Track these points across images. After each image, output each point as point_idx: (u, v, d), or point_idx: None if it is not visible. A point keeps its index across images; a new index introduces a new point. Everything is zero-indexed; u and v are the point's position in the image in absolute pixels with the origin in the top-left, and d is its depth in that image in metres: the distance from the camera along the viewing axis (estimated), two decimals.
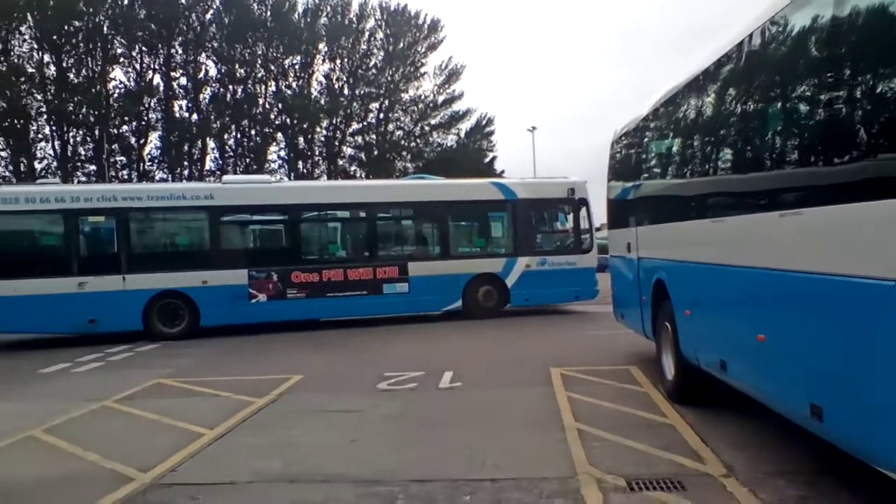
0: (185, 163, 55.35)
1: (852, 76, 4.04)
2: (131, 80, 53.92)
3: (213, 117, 55.17)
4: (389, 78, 59.69)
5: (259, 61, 55.82)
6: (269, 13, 55.93)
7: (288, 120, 57.02)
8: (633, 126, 9.84)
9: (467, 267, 16.26)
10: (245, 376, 10.16)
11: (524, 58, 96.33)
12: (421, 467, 5.84)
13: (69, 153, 52.90)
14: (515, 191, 16.69)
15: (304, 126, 57.38)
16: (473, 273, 16.20)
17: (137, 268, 14.57)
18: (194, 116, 55.13)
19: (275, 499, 5.35)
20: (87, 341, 13.86)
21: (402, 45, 59.33)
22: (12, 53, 50.69)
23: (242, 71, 55.15)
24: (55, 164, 51.95)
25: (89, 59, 52.40)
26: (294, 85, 57.85)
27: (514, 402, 8.10)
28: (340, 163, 58.54)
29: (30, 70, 51.34)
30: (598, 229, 17.44)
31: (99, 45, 51.93)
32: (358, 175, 55.90)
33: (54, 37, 50.13)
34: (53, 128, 52.59)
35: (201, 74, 55.19)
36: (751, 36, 5.55)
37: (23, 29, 50.44)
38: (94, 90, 51.97)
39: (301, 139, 58.32)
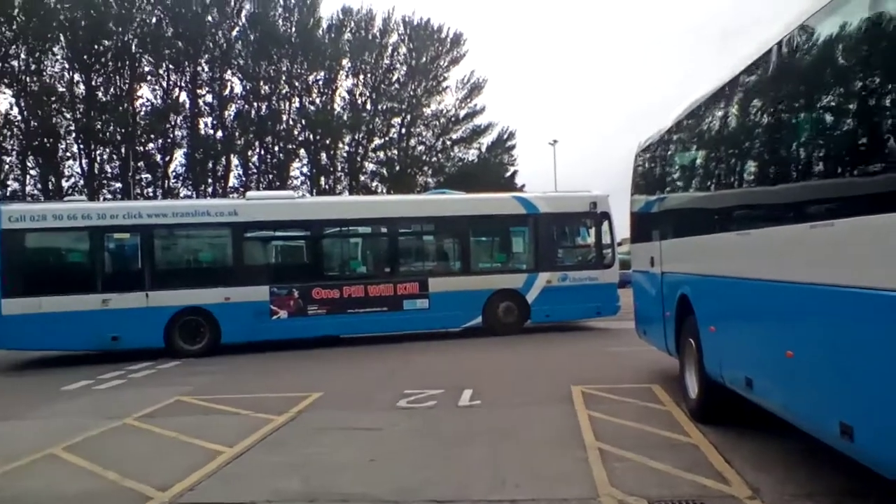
0: (210, 180, 55.99)
1: (883, 83, 3.93)
2: (158, 97, 54.78)
3: (237, 134, 55.87)
4: (412, 93, 60.08)
5: (283, 78, 56.48)
6: (293, 30, 56.65)
7: (311, 136, 57.53)
8: (656, 138, 9.74)
9: (488, 283, 16.16)
10: (265, 394, 10.15)
11: (546, 71, 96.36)
12: (441, 487, 5.77)
13: (96, 171, 53.75)
14: (537, 205, 16.59)
15: (327, 142, 57.85)
16: (494, 289, 16.09)
17: (160, 284, 14.64)
18: (219, 133, 55.84)
19: None
20: (110, 358, 13.92)
21: (424, 59, 59.74)
22: (44, 73, 51.82)
23: (267, 88, 55.82)
24: (82, 181, 52.78)
25: (117, 77, 53.38)
26: (317, 101, 58.43)
27: (534, 421, 8.00)
28: (362, 178, 58.86)
29: (60, 89, 52.40)
30: (619, 244, 17.30)
31: (127, 63, 52.89)
32: (379, 190, 56.14)
33: (84, 56, 51.14)
34: (81, 146, 53.49)
35: (227, 91, 55.95)
36: (779, 44, 5.44)
37: (55, 49, 51.57)
38: (121, 108, 52.87)
39: (323, 155, 58.78)
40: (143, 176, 54.74)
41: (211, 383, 11.48)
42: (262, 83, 55.51)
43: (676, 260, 8.52)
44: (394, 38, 59.98)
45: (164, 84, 54.95)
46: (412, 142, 61.66)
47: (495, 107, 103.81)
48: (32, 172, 52.96)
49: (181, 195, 51.69)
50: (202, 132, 55.85)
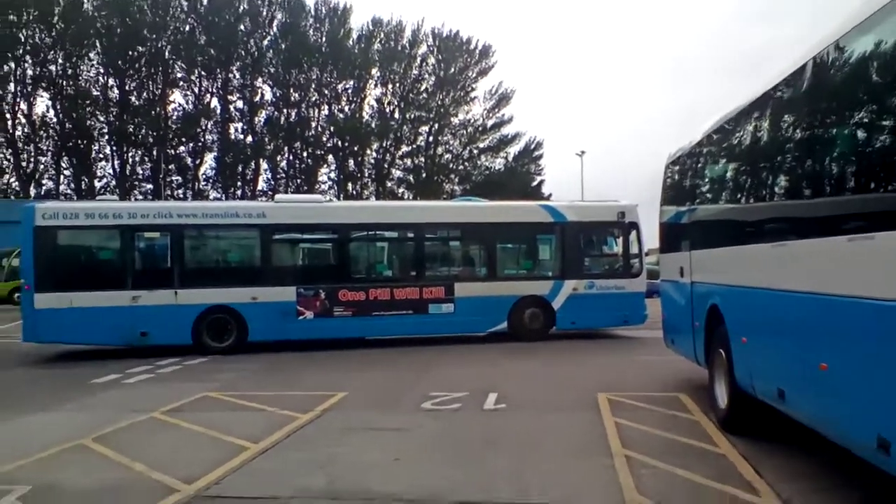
0: (239, 183, 56.67)
1: None
2: (189, 102, 55.70)
3: (267, 139, 56.52)
4: (440, 102, 60.35)
5: (313, 86, 57.05)
6: (324, 39, 57.24)
7: (339, 142, 58.01)
8: (687, 150, 9.68)
9: (513, 289, 16.11)
10: (290, 392, 10.20)
11: (574, 82, 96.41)
12: (464, 490, 5.74)
13: (128, 172, 54.66)
14: (564, 213, 16.53)
15: (355, 148, 58.29)
16: (520, 295, 16.03)
17: (189, 283, 14.78)
18: (249, 138, 56.54)
19: None
20: (139, 353, 14.10)
21: (453, 70, 59.99)
22: (80, 77, 52.88)
23: (297, 95, 56.47)
24: (114, 182, 53.67)
25: (150, 82, 54.36)
26: (346, 108, 58.95)
27: (559, 426, 7.96)
28: (389, 185, 59.16)
29: (95, 93, 53.41)
30: (647, 254, 17.13)
31: (160, 69, 53.81)
32: (406, 197, 56.37)
33: (119, 62, 52.14)
34: (114, 148, 54.44)
35: (257, 98, 56.75)
36: (816, 58, 5.40)
37: (91, 55, 52.64)
38: (153, 112, 53.80)
39: (351, 161, 59.23)
40: (173, 178, 55.60)
41: (237, 380, 11.56)
42: (292, 90, 56.18)
43: (707, 270, 8.44)
44: (423, 48, 60.44)
45: (196, 90, 55.86)
46: (439, 150, 61.90)
47: (523, 117, 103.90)
48: (66, 172, 54.05)
49: (210, 197, 52.35)
50: (232, 137, 56.62)
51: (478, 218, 16.57)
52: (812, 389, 5.37)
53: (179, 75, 54.94)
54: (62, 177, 53.98)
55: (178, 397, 9.76)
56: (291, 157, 58.23)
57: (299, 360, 13.96)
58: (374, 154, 59.98)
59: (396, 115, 59.90)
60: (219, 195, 54.11)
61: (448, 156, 62.06)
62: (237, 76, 56.16)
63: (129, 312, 14.17)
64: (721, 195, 8.40)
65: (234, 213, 15.86)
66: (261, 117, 56.81)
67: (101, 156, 54.62)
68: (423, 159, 60.85)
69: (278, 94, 56.22)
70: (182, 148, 55.60)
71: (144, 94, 54.18)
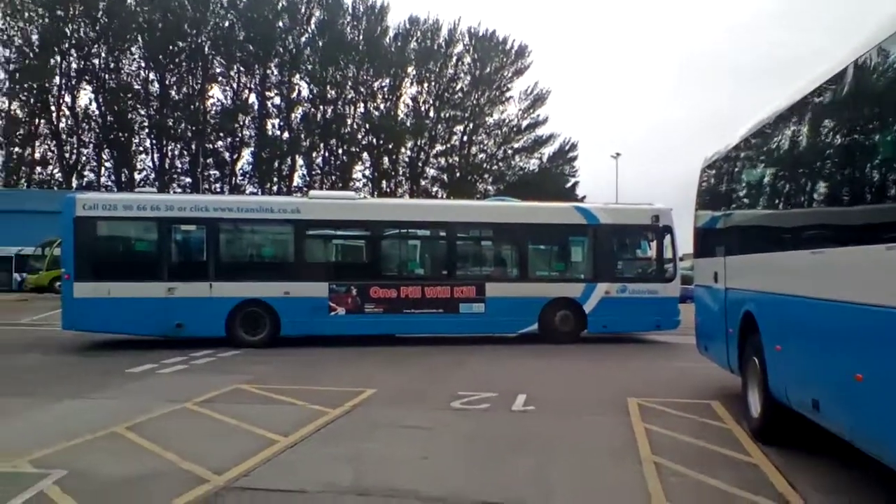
0: (275, 178, 57.28)
1: None
2: (228, 98, 56.43)
3: (303, 136, 57.02)
4: (475, 101, 60.35)
5: (349, 83, 57.43)
6: (361, 37, 57.57)
7: (374, 140, 58.34)
8: (723, 154, 9.55)
9: (545, 290, 16.04)
10: (321, 387, 10.26)
11: (610, 83, 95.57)
12: (490, 490, 5.74)
13: (167, 165, 55.61)
14: (598, 216, 16.41)
15: (390, 146, 58.58)
16: (551, 297, 15.95)
17: (223, 276, 14.97)
18: (285, 134, 57.11)
19: None
20: (173, 344, 14.30)
21: (488, 69, 59.95)
22: (122, 71, 53.97)
23: (333, 92, 56.91)
24: (153, 175, 54.64)
25: (190, 77, 55.27)
26: (382, 106, 59.25)
27: (588, 430, 7.91)
28: (423, 183, 59.33)
29: (136, 87, 54.48)
30: (681, 259, 16.93)
31: (200, 64, 54.66)
32: (439, 196, 56.47)
33: (160, 56, 53.10)
34: (154, 141, 55.44)
35: (294, 95, 57.28)
36: (858, 61, 5.28)
37: (133, 49, 53.71)
38: (192, 107, 54.66)
39: (386, 159, 59.52)
40: (211, 172, 56.41)
41: (269, 373, 11.68)
42: (328, 88, 56.66)
43: (742, 276, 8.31)
44: (459, 48, 60.51)
45: (235, 85, 56.62)
46: (473, 149, 61.91)
47: (558, 118, 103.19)
48: (108, 164, 55.19)
49: (247, 192, 53.01)
50: (269, 133, 57.28)
51: (510, 218, 16.53)
52: (847, 401, 5.27)
53: (218, 70, 55.80)
54: (103, 169, 55.22)
55: (210, 389, 9.90)
56: (327, 154, 58.73)
57: (330, 356, 14.07)
58: (409, 152, 60.22)
59: (431, 114, 60.06)
60: (255, 190, 54.80)
61: (482, 155, 62.05)
62: (275, 72, 56.81)
63: (164, 304, 14.40)
64: (758, 200, 8.26)
65: (269, 208, 16.03)
66: (297, 114, 57.42)
67: (141, 148, 55.76)
68: (457, 158, 60.92)
69: (315, 91, 56.74)
70: (220, 143, 56.47)
71: (184, 88, 55.14)
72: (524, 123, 61.48)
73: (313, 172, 57.85)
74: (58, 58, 52.85)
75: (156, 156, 55.44)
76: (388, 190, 57.66)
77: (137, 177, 54.48)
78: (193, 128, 54.44)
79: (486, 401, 9.34)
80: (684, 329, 14.73)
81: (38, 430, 7.60)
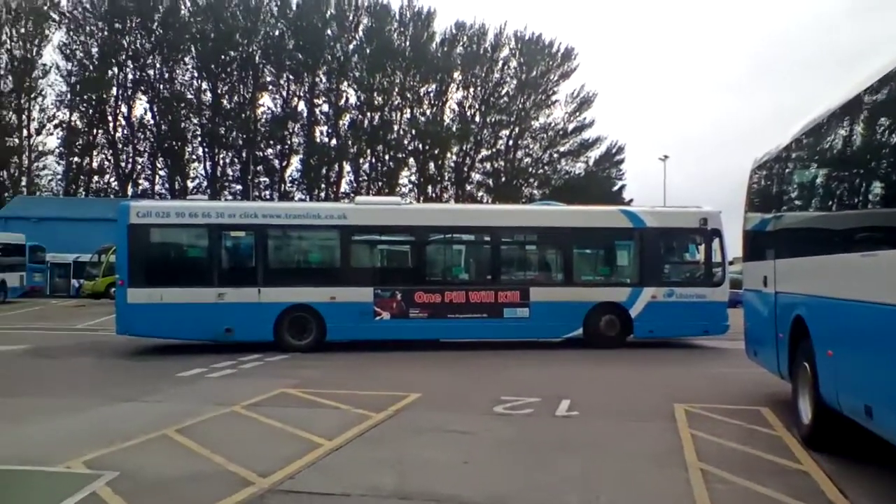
0: (323, 185, 58.01)
1: None
2: (278, 106, 57.42)
3: (350, 142, 57.65)
4: (521, 106, 60.20)
5: (396, 89, 57.87)
6: (407, 44, 57.95)
7: (420, 146, 58.60)
8: (773, 155, 9.34)
9: (590, 295, 15.89)
10: (365, 391, 10.36)
11: (658, 84, 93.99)
12: (532, 496, 5.73)
13: (218, 173, 56.83)
14: (644, 219, 16.19)
15: (436, 152, 58.78)
16: (596, 301, 15.80)
17: (272, 281, 15.21)
18: (333, 141, 57.82)
19: None
20: (223, 349, 14.59)
21: (534, 73, 59.74)
22: (176, 81, 55.51)
23: (380, 99, 57.43)
24: (205, 182, 55.90)
25: (241, 86, 56.46)
26: (428, 112, 59.50)
27: (633, 436, 7.82)
28: (468, 188, 59.39)
29: (189, 96, 55.95)
30: (730, 263, 16.56)
31: (250, 73, 55.81)
32: (485, 200, 56.44)
33: (212, 65, 54.41)
34: (206, 149, 56.75)
35: (342, 102, 57.98)
36: None
37: (186, 59, 55.25)
38: (244, 115, 55.82)
39: (431, 164, 59.73)
40: (261, 179, 57.44)
41: (315, 378, 11.82)
42: (375, 94, 57.18)
43: (792, 280, 8.11)
44: (505, 52, 60.42)
45: (284, 93, 57.59)
46: (519, 154, 61.74)
47: (605, 120, 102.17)
48: (161, 173, 56.67)
49: (296, 198, 53.81)
50: (318, 140, 58.03)
51: (555, 222, 16.44)
52: None
53: (268, 79, 56.84)
54: (157, 177, 56.73)
55: (257, 392, 10.06)
56: (373, 160, 59.26)
57: (375, 360, 14.19)
58: (455, 157, 60.34)
59: (477, 119, 60.10)
60: (303, 196, 55.61)
61: (528, 160, 61.81)
62: (323, 80, 57.61)
63: (214, 309, 14.69)
64: (809, 201, 8.07)
65: (316, 213, 16.24)
66: (345, 120, 58.11)
67: (194, 157, 57.15)
68: (502, 163, 60.83)
69: (362, 98, 57.36)
70: (270, 150, 57.51)
71: (235, 97, 56.35)
72: (570, 127, 61.06)
73: (360, 178, 58.45)
74: (115, 69, 54.66)
75: (208, 164, 56.75)
76: (434, 195, 57.88)
77: (190, 185, 55.87)
78: (244, 136, 55.56)
79: (529, 406, 9.30)
80: (733, 334, 14.44)
81: (91, 431, 7.85)
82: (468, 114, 59.95)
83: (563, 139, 61.29)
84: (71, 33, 53.84)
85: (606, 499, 5.64)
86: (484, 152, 60.98)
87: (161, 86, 55.21)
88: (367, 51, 56.65)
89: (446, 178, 60.56)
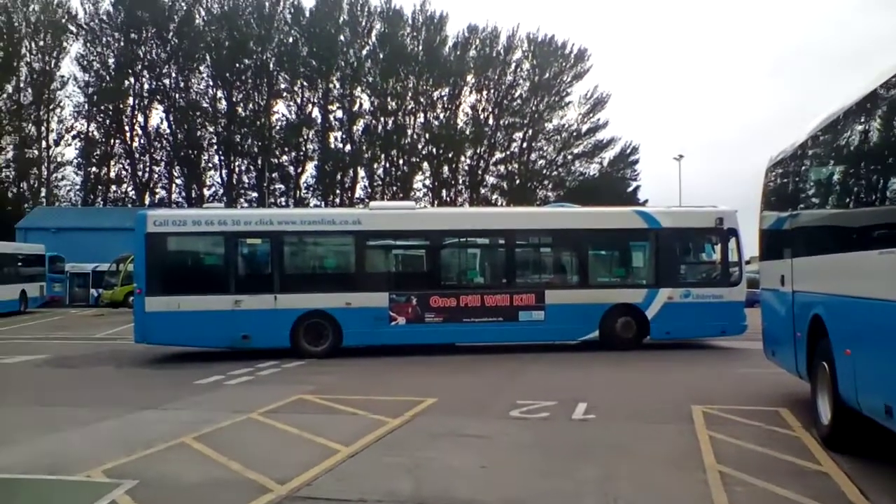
0: (338, 190, 58.22)
1: None
2: (292, 113, 57.74)
3: (364, 147, 57.84)
4: (534, 108, 60.12)
5: (409, 94, 57.99)
6: (420, 48, 58.07)
7: (434, 149, 58.66)
8: (790, 152, 9.26)
9: (606, 297, 15.81)
10: (381, 396, 10.37)
11: (672, 83, 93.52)
12: (550, 500, 5.71)
13: (234, 181, 57.21)
14: (659, 219, 16.11)
15: (450, 155, 58.80)
16: (612, 303, 15.72)
17: (288, 288, 15.25)
18: (347, 147, 58.01)
19: None
20: (240, 356, 14.67)
21: (547, 75, 59.66)
22: (191, 90, 56.02)
23: (394, 103, 57.58)
24: (222, 191, 56.29)
25: (256, 93, 56.86)
26: (441, 116, 59.54)
27: (650, 438, 7.77)
28: (482, 191, 59.39)
29: (204, 104, 56.43)
30: (747, 262, 16.41)
31: (265, 80, 56.20)
32: (499, 203, 56.40)
33: (227, 74, 54.86)
34: (222, 157, 57.17)
35: (356, 107, 58.18)
36: None
37: (201, 68, 55.75)
38: (258, 123, 56.19)
39: (446, 168, 59.76)
40: (276, 186, 57.76)
41: (331, 384, 11.86)
42: (389, 99, 57.32)
43: (810, 279, 8.04)
44: (518, 54, 60.37)
45: (299, 100, 57.91)
46: (533, 156, 61.66)
47: (619, 121, 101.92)
48: (178, 181, 57.16)
49: (311, 205, 54.04)
50: (332, 145, 58.25)
51: (569, 224, 16.36)
52: None
53: (283, 86, 57.17)
54: (174, 185, 57.22)
55: (275, 399, 10.11)
56: (388, 165, 59.40)
57: (391, 365, 14.21)
58: (468, 160, 60.35)
59: (491, 122, 60.11)
60: (319, 203, 55.83)
61: (542, 162, 61.71)
62: (337, 86, 57.86)
63: (231, 316, 14.77)
64: (826, 199, 8.00)
65: (331, 220, 16.30)
66: (359, 126, 58.32)
67: (210, 165, 57.57)
68: (516, 165, 60.77)
69: (376, 103, 57.54)
70: (285, 157, 57.81)
71: (250, 105, 56.72)
72: (584, 128, 60.89)
73: (375, 184, 58.61)
74: (131, 79, 55.24)
75: (224, 171, 57.16)
76: (449, 199, 57.91)
77: (206, 192, 56.25)
78: (259, 143, 55.91)
79: (545, 409, 9.28)
80: (751, 334, 14.34)
81: (111, 440, 7.93)
82: (482, 117, 59.98)
83: (577, 140, 61.13)
84: (88, 45, 54.56)
85: (625, 502, 5.61)
86: (498, 155, 60.97)
87: (177, 95, 55.72)
88: (381, 56, 56.83)
89: (460, 181, 60.58)
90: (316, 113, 58.02)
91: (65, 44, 54.23)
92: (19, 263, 31.07)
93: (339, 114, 58.42)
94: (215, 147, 56.92)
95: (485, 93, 60.18)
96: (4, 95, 53.04)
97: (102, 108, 54.55)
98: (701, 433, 7.77)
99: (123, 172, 57.02)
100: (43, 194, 54.65)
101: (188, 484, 6.22)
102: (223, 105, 56.47)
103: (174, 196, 56.11)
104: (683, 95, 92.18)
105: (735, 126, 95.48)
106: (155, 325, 14.62)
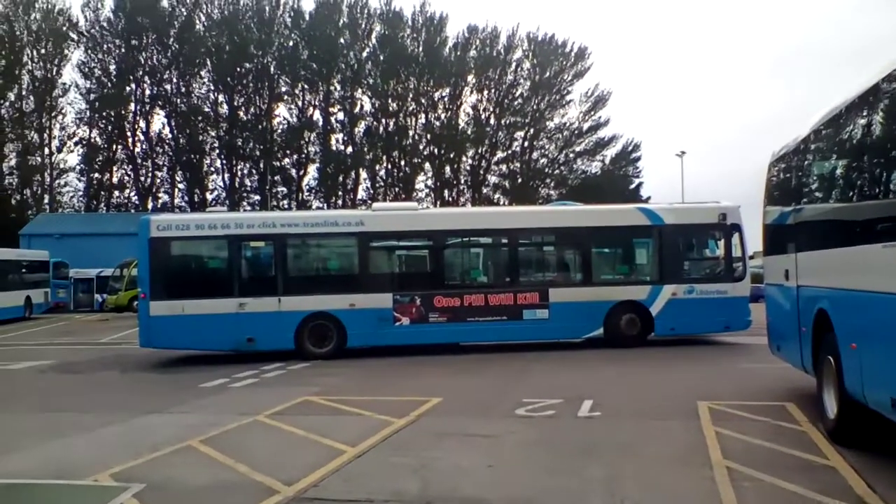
0: (340, 192, 58.24)
1: None
2: (293, 116, 57.76)
3: (366, 149, 57.86)
4: (535, 106, 60.07)
5: (410, 95, 58.01)
6: (421, 49, 58.08)
7: (435, 150, 58.66)
8: (793, 146, 9.24)
9: (610, 294, 15.80)
10: (387, 397, 10.38)
11: (674, 79, 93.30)
12: (556, 498, 5.71)
13: (236, 184, 57.28)
14: (662, 216, 16.09)
15: (451, 155, 58.79)
16: (616, 300, 15.70)
17: (292, 290, 15.27)
18: (349, 149, 58.04)
19: None
20: (245, 359, 14.68)
21: (548, 73, 59.60)
22: (193, 95, 56.14)
23: (395, 105, 57.59)
24: (224, 194, 56.37)
25: (257, 97, 56.95)
26: (443, 116, 59.52)
27: (657, 435, 7.76)
28: (485, 191, 59.38)
29: (206, 109, 56.53)
30: (751, 257, 16.38)
31: (266, 84, 56.28)
32: (502, 203, 56.38)
33: (228, 78, 54.95)
34: (224, 161, 57.24)
35: (357, 109, 58.20)
36: None
37: (202, 73, 55.87)
38: (260, 126, 56.27)
39: (448, 168, 59.76)
40: (279, 189, 57.82)
41: (336, 385, 11.88)
42: (390, 100, 57.33)
43: (814, 273, 8.02)
44: (518, 53, 60.30)
45: (300, 103, 57.95)
46: (535, 155, 61.61)
47: (620, 118, 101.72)
48: (181, 186, 57.24)
49: (313, 207, 54.07)
50: (334, 148, 58.29)
51: (573, 222, 16.36)
52: None
53: (284, 89, 57.23)
54: (177, 190, 57.29)
55: (280, 401, 10.13)
56: (390, 166, 59.40)
57: (396, 366, 14.22)
58: (470, 160, 60.33)
59: (492, 121, 60.08)
60: (321, 205, 55.86)
61: (544, 160, 61.65)
62: (338, 88, 57.89)
63: (236, 319, 14.79)
64: (829, 193, 7.99)
65: (334, 221, 16.28)
66: (360, 128, 58.34)
67: (212, 169, 57.68)
68: (518, 165, 60.74)
69: (377, 105, 57.56)
70: (286, 160, 57.86)
71: (252, 108, 56.80)
72: (585, 126, 60.80)
73: (377, 185, 58.62)
74: (133, 85, 55.34)
75: (226, 175, 57.21)
76: (451, 199, 57.91)
77: (209, 196, 56.34)
78: (261, 146, 55.96)
79: (551, 407, 9.27)
80: (755, 329, 14.31)
81: (118, 444, 7.94)
82: (483, 117, 59.95)
83: (579, 139, 61.06)
84: (89, 52, 54.69)
85: (631, 500, 5.60)
86: (499, 154, 60.93)
87: (178, 100, 55.79)
88: (381, 58, 56.84)
89: (462, 181, 60.56)
90: (317, 115, 58.10)
91: (66, 51, 54.43)
92: (23, 270, 31.14)
93: (341, 116, 58.49)
94: (217, 151, 57.00)
95: (485, 92, 60.16)
96: (7, 103, 53.27)
97: (104, 114, 54.66)
98: (707, 429, 7.76)
99: (126, 178, 57.18)
100: (46, 201, 54.77)
101: (195, 487, 6.23)
102: (224, 109, 56.55)
103: (177, 201, 56.18)
104: (684, 92, 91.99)
105: (736, 122, 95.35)
106: (159, 329, 14.65)
